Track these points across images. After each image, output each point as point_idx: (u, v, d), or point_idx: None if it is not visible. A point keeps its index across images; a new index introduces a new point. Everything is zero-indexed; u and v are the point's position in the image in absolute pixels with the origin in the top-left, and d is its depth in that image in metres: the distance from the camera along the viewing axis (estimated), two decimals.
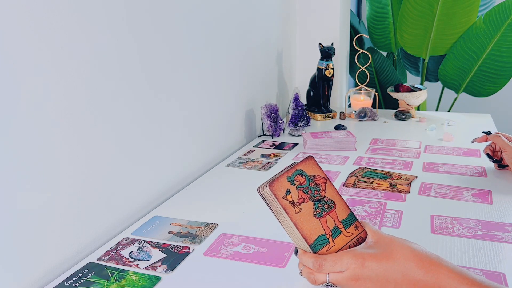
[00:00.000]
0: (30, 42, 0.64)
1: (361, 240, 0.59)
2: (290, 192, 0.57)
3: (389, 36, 2.42)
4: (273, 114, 1.46)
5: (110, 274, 0.70)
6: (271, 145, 1.39)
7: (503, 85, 2.25)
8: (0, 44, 0.60)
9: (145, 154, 0.94)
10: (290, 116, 1.55)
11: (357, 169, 1.14)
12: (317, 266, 0.56)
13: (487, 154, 1.11)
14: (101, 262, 0.73)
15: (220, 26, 1.24)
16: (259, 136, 1.51)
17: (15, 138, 0.63)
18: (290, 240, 0.79)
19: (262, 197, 0.58)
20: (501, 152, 1.08)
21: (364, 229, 0.60)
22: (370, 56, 1.90)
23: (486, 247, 0.76)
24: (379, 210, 0.90)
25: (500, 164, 1.11)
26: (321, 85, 1.70)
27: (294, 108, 1.55)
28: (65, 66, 0.71)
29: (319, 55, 1.70)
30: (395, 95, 1.74)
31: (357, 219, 0.60)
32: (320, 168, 0.61)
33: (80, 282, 0.67)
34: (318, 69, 1.69)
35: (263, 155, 1.29)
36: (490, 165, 1.16)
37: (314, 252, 0.57)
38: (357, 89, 1.81)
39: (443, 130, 1.54)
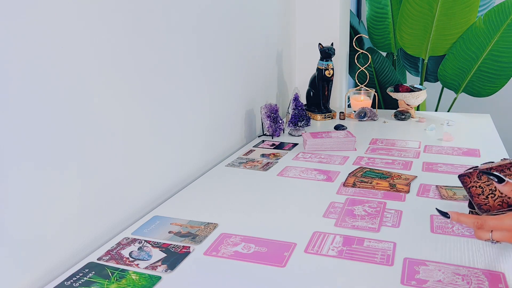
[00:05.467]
0: (25, 41, 0.65)
1: None
2: None
3: (389, 37, 2.42)
4: (273, 114, 1.46)
5: (110, 274, 0.70)
6: (271, 145, 1.39)
7: (503, 85, 2.26)
8: None
9: (145, 154, 0.94)
10: (290, 116, 1.55)
11: (356, 169, 1.14)
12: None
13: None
14: (101, 262, 0.73)
15: (220, 26, 1.24)
16: (259, 136, 1.51)
17: (14, 138, 0.63)
18: (289, 240, 0.79)
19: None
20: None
21: None
22: (369, 56, 1.91)
23: (486, 247, 0.76)
24: (379, 210, 0.91)
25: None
26: (321, 85, 1.71)
27: (294, 108, 1.55)
28: (64, 67, 0.71)
29: (319, 55, 1.71)
30: (394, 95, 1.74)
31: None
32: None
33: (80, 282, 0.68)
34: (318, 69, 1.69)
35: (263, 155, 1.29)
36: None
37: None
38: (356, 89, 1.81)
39: (443, 130, 1.54)
